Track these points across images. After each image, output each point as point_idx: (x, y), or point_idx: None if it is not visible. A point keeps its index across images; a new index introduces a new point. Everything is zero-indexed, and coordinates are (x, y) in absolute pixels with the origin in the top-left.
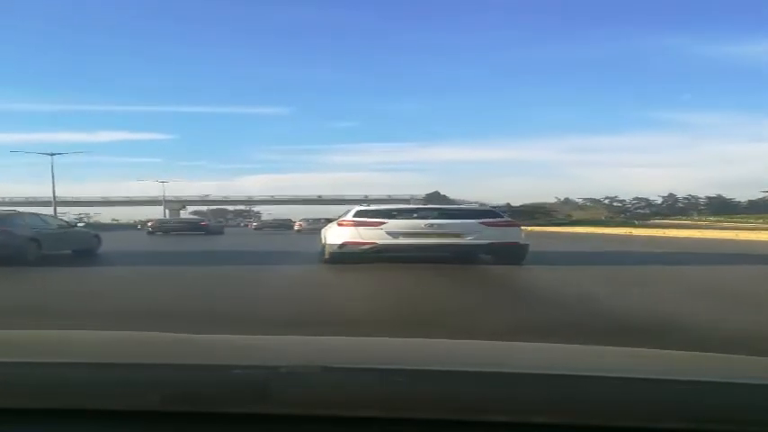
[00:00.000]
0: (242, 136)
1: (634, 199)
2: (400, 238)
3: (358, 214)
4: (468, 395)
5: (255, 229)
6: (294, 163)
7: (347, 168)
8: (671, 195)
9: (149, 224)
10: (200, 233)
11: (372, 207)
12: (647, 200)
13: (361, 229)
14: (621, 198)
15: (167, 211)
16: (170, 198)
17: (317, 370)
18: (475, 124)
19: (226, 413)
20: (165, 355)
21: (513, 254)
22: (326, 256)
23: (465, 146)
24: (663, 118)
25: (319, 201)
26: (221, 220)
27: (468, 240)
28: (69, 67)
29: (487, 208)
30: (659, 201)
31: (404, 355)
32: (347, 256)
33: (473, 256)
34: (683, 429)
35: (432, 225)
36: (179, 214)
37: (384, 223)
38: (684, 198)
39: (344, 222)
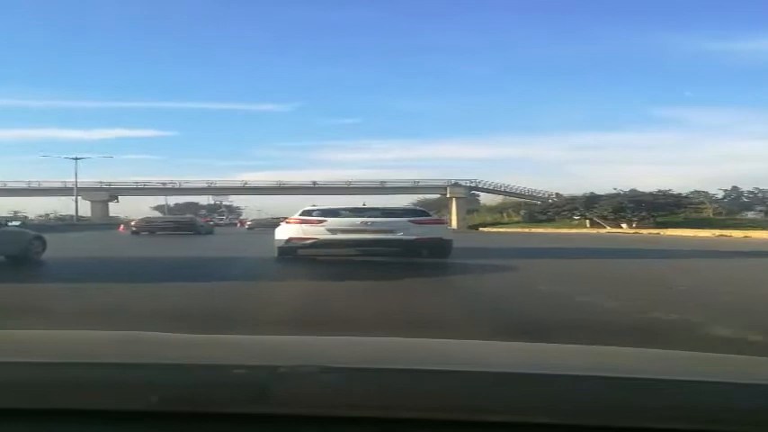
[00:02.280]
0: (244, 133)
1: (691, 193)
2: (338, 233)
3: (303, 213)
4: (468, 395)
5: (249, 228)
6: (298, 160)
7: (352, 166)
8: (734, 188)
9: (132, 223)
10: (189, 233)
11: (318, 207)
12: (706, 193)
13: (305, 226)
14: (675, 192)
15: (89, 203)
16: (91, 185)
17: (316, 370)
18: (481, 122)
19: (226, 413)
20: (166, 356)
21: (437, 248)
22: (276, 250)
23: (471, 144)
24: (670, 115)
25: (314, 188)
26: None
27: (397, 236)
28: (67, 65)
29: (419, 208)
30: (720, 195)
31: (403, 355)
32: (293, 250)
33: (407, 251)
34: (682, 429)
35: (366, 223)
36: (107, 208)
37: (325, 221)
38: (749, 192)
39: (291, 220)
